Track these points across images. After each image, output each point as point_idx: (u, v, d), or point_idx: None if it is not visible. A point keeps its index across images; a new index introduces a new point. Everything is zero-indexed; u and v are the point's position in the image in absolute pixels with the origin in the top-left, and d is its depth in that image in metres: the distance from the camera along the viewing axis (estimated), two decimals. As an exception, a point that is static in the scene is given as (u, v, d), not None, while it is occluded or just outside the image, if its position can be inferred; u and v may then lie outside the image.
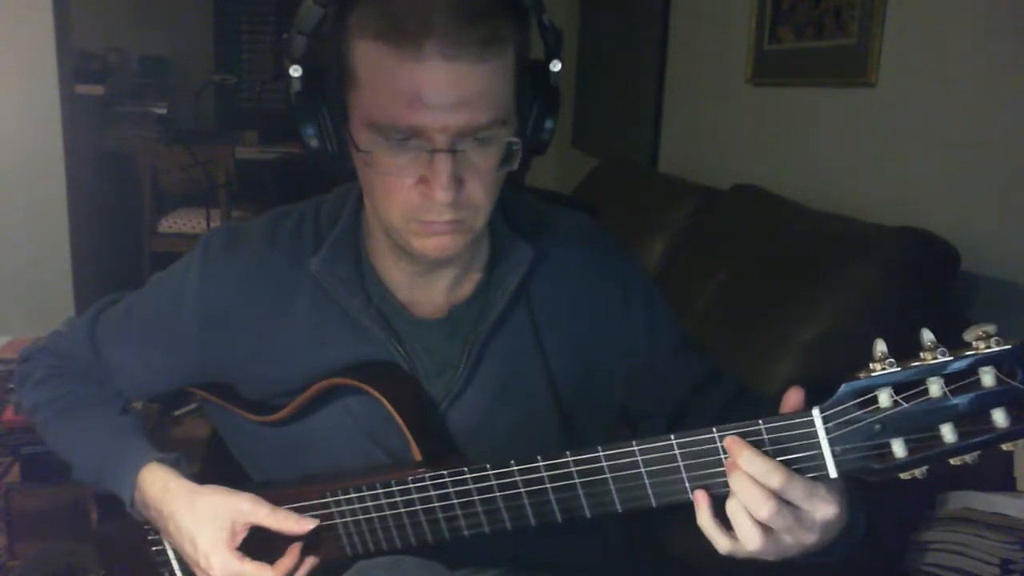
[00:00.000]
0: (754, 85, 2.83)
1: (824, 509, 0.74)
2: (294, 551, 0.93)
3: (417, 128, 0.79)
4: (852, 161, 2.34)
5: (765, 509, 0.73)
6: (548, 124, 0.88)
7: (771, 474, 0.72)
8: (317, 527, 0.93)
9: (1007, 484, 1.50)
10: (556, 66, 0.86)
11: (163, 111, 4.92)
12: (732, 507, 0.75)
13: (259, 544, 0.94)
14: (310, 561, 0.95)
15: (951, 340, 0.70)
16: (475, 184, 0.83)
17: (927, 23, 2.05)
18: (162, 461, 1.00)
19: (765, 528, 0.74)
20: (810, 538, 0.76)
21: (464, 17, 0.76)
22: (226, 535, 0.93)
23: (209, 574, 0.92)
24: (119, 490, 1.00)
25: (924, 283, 1.79)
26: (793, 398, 0.76)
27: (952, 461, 0.70)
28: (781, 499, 0.73)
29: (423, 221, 0.84)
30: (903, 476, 0.71)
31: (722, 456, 0.76)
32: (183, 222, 4.11)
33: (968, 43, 1.93)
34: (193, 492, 0.96)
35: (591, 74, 4.25)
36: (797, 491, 0.73)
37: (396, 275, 0.96)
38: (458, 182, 0.81)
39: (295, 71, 0.83)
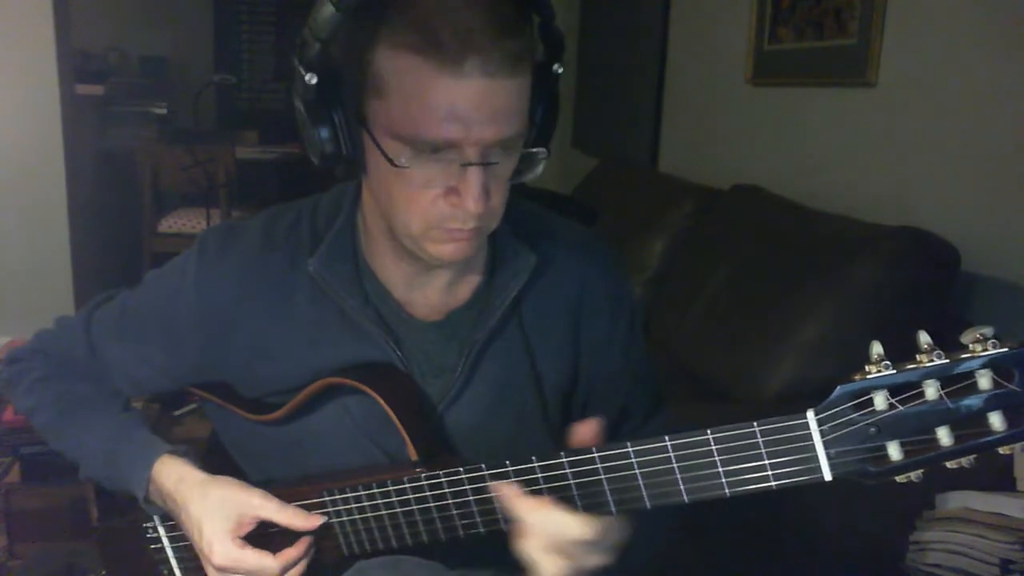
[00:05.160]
0: (754, 85, 2.82)
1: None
2: (302, 544, 0.94)
3: (451, 142, 0.79)
4: (852, 161, 2.34)
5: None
6: (551, 126, 0.89)
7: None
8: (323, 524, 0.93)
9: (1007, 484, 1.50)
10: (559, 69, 0.88)
11: (163, 111, 4.92)
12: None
13: (261, 544, 0.94)
14: (307, 556, 0.95)
15: (950, 341, 0.69)
16: (497, 192, 0.85)
17: (927, 23, 2.05)
18: (173, 453, 1.00)
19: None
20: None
21: (501, 34, 0.77)
22: (231, 525, 0.93)
23: (211, 560, 0.93)
24: (133, 486, 1.00)
25: (924, 283, 1.79)
26: (584, 429, 0.82)
27: (948, 464, 0.69)
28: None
29: (447, 229, 0.84)
30: (899, 479, 0.71)
31: (716, 458, 0.75)
32: (183, 222, 4.10)
33: (968, 43, 1.92)
34: (205, 482, 0.96)
35: (591, 74, 4.24)
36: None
37: (393, 275, 0.96)
38: (486, 191, 0.82)
39: (311, 79, 0.81)
